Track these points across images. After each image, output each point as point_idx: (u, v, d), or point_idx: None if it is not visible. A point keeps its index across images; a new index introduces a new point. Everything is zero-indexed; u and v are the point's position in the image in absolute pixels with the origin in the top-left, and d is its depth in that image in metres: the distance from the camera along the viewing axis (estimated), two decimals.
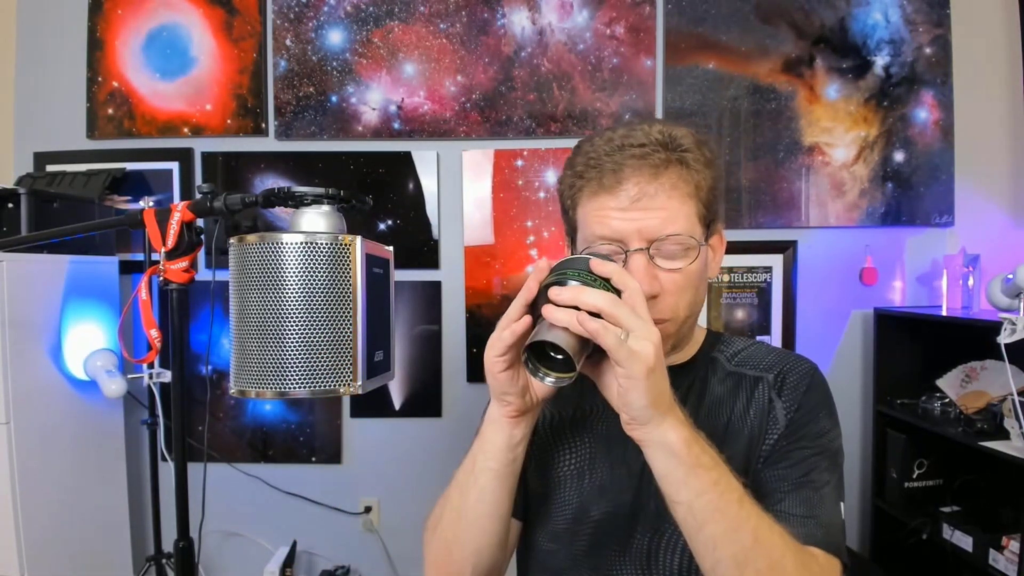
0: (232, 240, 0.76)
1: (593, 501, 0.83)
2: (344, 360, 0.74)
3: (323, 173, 2.12)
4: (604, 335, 0.60)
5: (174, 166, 2.14)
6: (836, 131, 2.08)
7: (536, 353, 0.65)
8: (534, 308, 0.67)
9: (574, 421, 0.88)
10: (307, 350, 0.72)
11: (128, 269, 2.09)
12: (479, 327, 2.12)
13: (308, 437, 2.15)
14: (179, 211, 0.92)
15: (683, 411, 0.68)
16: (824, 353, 2.12)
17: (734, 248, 2.06)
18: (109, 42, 2.12)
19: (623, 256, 0.77)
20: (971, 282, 1.94)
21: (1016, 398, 1.54)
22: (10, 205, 1.65)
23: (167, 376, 1.79)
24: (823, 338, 2.13)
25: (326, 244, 0.74)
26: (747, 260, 2.10)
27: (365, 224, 2.11)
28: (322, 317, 0.73)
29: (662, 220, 0.76)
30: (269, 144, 2.14)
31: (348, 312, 0.74)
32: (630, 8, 2.07)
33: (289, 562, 2.00)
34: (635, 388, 0.62)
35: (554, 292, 0.63)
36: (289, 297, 0.72)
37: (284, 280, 0.72)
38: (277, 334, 0.72)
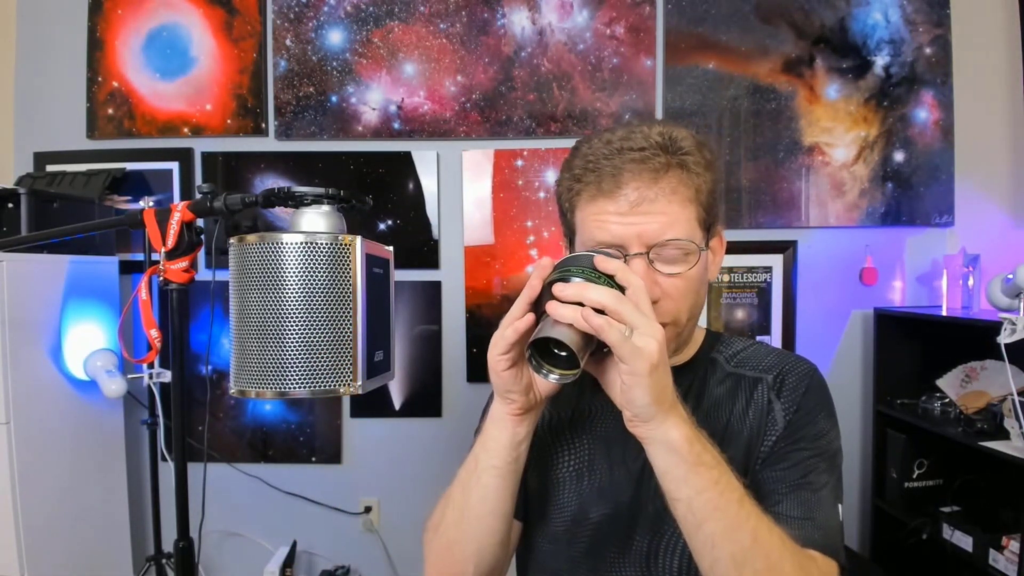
0: (232, 240, 0.76)
1: (592, 503, 0.83)
2: (344, 360, 0.74)
3: (323, 173, 2.12)
4: (608, 331, 0.60)
5: (174, 166, 2.14)
6: (836, 131, 2.08)
7: (540, 350, 0.65)
8: (538, 306, 0.67)
9: (573, 422, 0.88)
10: (307, 350, 0.72)
11: (128, 269, 2.09)
12: (479, 327, 2.12)
13: (308, 437, 2.15)
14: (179, 211, 0.92)
15: (685, 409, 0.68)
16: (824, 353, 2.12)
17: (734, 248, 2.06)
18: (109, 42, 2.12)
19: (623, 259, 0.76)
20: (971, 282, 1.94)
21: (1016, 398, 1.54)
22: (10, 205, 1.65)
23: (167, 376, 1.79)
24: (823, 338, 2.13)
25: (326, 244, 0.73)
26: (747, 260, 2.10)
27: (365, 224, 2.11)
28: (322, 317, 0.73)
29: (662, 225, 0.75)
30: (269, 144, 2.14)
31: (348, 312, 0.74)
32: (630, 8, 2.07)
33: (289, 562, 2.00)
34: (638, 385, 0.62)
35: (558, 288, 0.64)
36: (289, 297, 0.72)
37: (284, 280, 0.72)
38: (277, 334, 0.72)
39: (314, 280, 0.73)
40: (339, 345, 0.74)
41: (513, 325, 0.66)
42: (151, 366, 1.81)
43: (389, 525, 2.17)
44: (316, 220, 0.80)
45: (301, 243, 0.73)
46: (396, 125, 2.11)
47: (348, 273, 0.74)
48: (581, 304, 0.62)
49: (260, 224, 2.10)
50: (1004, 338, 1.51)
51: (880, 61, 2.06)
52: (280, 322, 0.72)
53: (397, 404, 2.15)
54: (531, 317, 0.66)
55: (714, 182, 0.80)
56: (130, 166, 2.12)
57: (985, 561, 1.59)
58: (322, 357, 0.73)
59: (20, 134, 2.16)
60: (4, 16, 2.15)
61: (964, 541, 1.66)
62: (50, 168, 2.10)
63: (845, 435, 0.84)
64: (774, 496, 0.76)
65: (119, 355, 1.83)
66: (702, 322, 0.92)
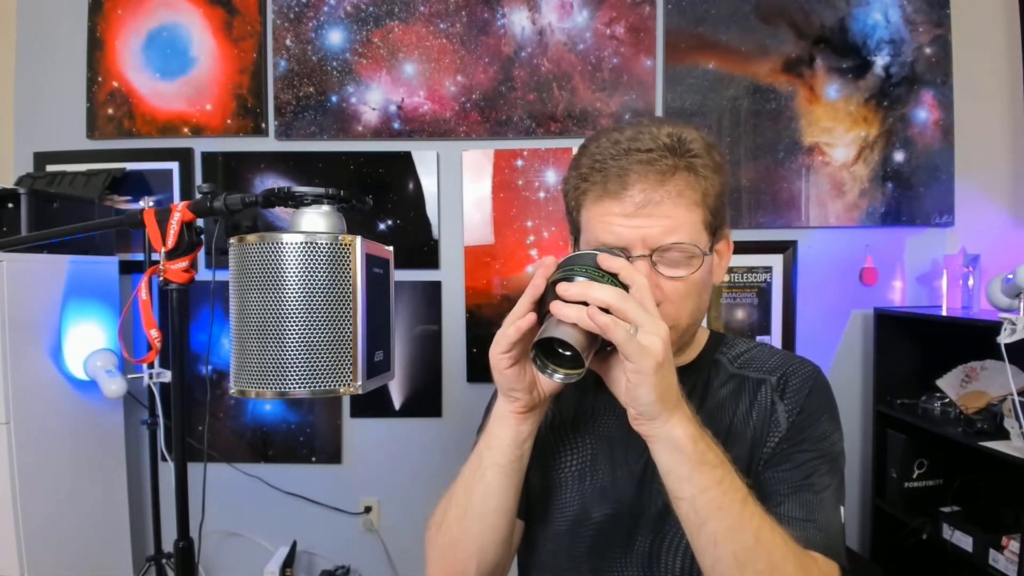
0: (232, 240, 0.76)
1: (594, 503, 0.83)
2: (344, 360, 0.74)
3: (323, 173, 2.12)
4: (614, 330, 0.60)
5: (174, 166, 2.13)
6: (836, 131, 2.08)
7: (544, 350, 0.65)
8: (541, 304, 0.66)
9: (575, 422, 0.88)
10: (307, 350, 0.72)
11: (128, 269, 2.09)
12: (479, 327, 2.12)
13: (308, 437, 2.15)
14: (179, 211, 0.92)
15: (690, 407, 0.68)
16: (824, 353, 2.12)
17: (734, 248, 2.05)
18: (109, 42, 2.12)
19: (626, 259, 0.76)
20: (971, 282, 1.94)
21: (1016, 398, 1.54)
22: (10, 205, 1.65)
23: (167, 376, 1.79)
24: (823, 338, 2.13)
25: (326, 244, 0.73)
26: (747, 260, 2.10)
27: (365, 224, 2.11)
28: (322, 317, 0.73)
29: (666, 228, 0.75)
30: (269, 144, 2.14)
31: (348, 312, 0.74)
32: (630, 8, 2.07)
33: (289, 562, 2.00)
34: (644, 383, 0.62)
35: (562, 288, 0.63)
36: (289, 297, 0.72)
37: (284, 280, 0.72)
38: (277, 334, 0.72)
39: (314, 280, 0.73)
40: (339, 345, 0.73)
41: (515, 323, 0.66)
42: (151, 366, 1.81)
43: (389, 525, 2.17)
44: (316, 220, 0.80)
45: (301, 243, 0.73)
46: (396, 125, 2.11)
47: (348, 273, 0.74)
48: (585, 303, 0.62)
49: (260, 224, 2.10)
50: (1004, 338, 1.51)
51: (880, 61, 2.06)
52: (280, 322, 0.72)
53: (397, 404, 2.15)
54: (533, 316, 0.66)
55: (722, 185, 0.79)
56: (130, 166, 2.12)
57: (985, 561, 1.58)
58: (322, 357, 0.73)
59: (20, 134, 2.16)
60: (4, 16, 2.15)
61: (964, 541, 1.66)
62: (50, 168, 2.10)
63: (845, 435, 0.84)
64: (776, 497, 0.76)
65: (119, 355, 1.83)
66: (702, 323, 0.92)
